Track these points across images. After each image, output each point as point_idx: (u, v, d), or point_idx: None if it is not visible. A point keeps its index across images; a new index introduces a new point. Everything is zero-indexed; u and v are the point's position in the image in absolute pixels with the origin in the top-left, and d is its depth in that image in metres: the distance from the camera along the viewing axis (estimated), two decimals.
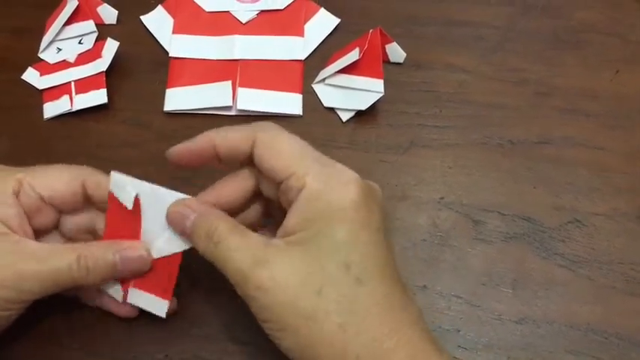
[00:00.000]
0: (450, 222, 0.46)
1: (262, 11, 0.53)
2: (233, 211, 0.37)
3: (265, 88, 0.50)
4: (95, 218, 0.40)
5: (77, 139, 0.49)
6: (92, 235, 0.40)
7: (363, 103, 0.49)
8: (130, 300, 0.39)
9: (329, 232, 0.32)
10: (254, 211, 0.39)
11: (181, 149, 0.37)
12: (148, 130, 0.50)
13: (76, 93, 0.50)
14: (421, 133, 0.49)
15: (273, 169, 0.34)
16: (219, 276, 0.42)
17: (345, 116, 0.50)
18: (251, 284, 0.32)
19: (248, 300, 0.33)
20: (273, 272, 0.32)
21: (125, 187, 0.37)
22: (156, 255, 0.38)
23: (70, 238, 0.41)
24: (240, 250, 0.33)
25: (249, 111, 0.49)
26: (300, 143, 0.35)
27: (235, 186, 0.37)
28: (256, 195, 0.38)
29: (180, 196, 0.37)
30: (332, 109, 0.50)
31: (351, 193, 0.33)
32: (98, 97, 0.49)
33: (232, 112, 0.50)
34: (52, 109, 0.50)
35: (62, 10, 0.52)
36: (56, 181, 0.38)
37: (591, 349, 0.42)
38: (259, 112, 0.49)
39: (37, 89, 0.51)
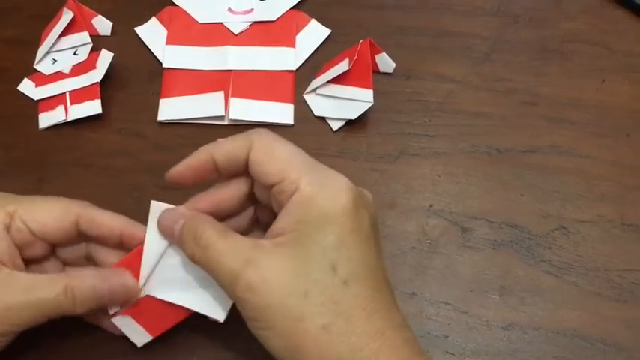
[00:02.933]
0: (438, 229, 0.47)
1: (254, 22, 0.54)
2: (225, 216, 0.38)
3: (257, 98, 0.51)
4: (92, 247, 0.40)
5: (72, 148, 0.50)
6: (91, 261, 0.41)
7: (353, 112, 0.50)
8: (116, 321, 0.39)
9: (318, 235, 0.33)
10: (244, 216, 0.40)
11: (181, 168, 0.37)
12: (142, 140, 0.50)
13: (71, 103, 0.50)
14: (411, 142, 0.50)
15: (266, 173, 0.35)
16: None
17: (335, 125, 0.50)
18: (241, 285, 0.33)
19: (238, 301, 0.34)
20: (262, 273, 0.32)
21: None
22: (162, 297, 0.38)
23: (69, 264, 0.41)
24: (229, 253, 0.34)
25: (241, 120, 0.50)
26: (295, 149, 0.36)
27: (229, 193, 0.38)
28: (247, 201, 0.39)
29: None
30: (323, 119, 0.51)
31: (343, 199, 0.33)
32: (93, 107, 0.50)
33: (225, 122, 0.51)
34: (47, 119, 0.51)
35: (57, 21, 0.53)
36: (47, 216, 0.38)
37: (577, 355, 0.42)
38: (251, 121, 0.50)
39: (33, 100, 0.52)
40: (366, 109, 0.49)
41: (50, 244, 0.39)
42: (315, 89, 0.51)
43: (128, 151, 0.50)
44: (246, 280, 0.33)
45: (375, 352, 0.32)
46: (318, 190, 0.33)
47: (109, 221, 0.39)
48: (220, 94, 0.51)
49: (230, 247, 0.34)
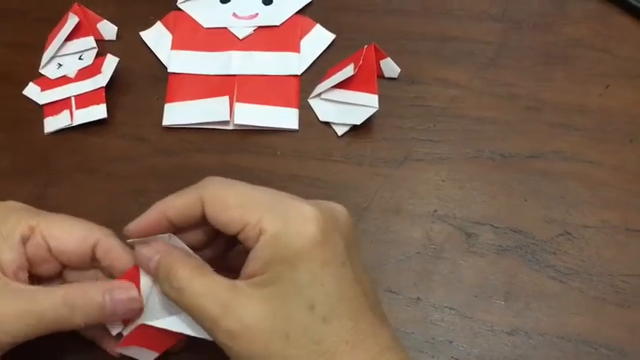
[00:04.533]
0: (443, 235, 0.47)
1: (259, 27, 0.54)
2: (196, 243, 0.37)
3: (262, 103, 0.51)
4: (101, 276, 0.40)
5: (77, 153, 0.50)
6: None
7: (358, 117, 0.50)
8: (120, 350, 0.39)
9: (290, 275, 0.32)
10: (218, 246, 0.38)
11: (137, 225, 0.36)
12: (146, 145, 0.51)
13: (77, 108, 0.50)
14: (415, 147, 0.50)
15: (226, 224, 0.33)
16: None
17: (340, 130, 0.51)
18: (222, 332, 0.32)
19: (221, 345, 0.33)
20: (242, 319, 0.32)
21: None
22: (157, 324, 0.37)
23: None
24: (206, 297, 0.32)
25: (246, 125, 0.50)
26: (250, 190, 0.34)
27: (193, 236, 0.37)
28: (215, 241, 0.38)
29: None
30: (328, 124, 0.51)
31: (309, 231, 0.32)
32: (98, 112, 0.50)
33: (230, 127, 0.51)
34: (52, 123, 0.51)
35: (63, 26, 0.53)
36: (69, 236, 0.37)
37: None
38: (256, 126, 0.50)
39: (38, 104, 0.52)
40: (370, 115, 0.49)
41: (62, 264, 0.39)
42: (319, 94, 0.51)
43: (133, 155, 0.50)
44: (226, 326, 0.32)
45: None
46: (282, 227, 0.32)
47: (125, 256, 0.38)
48: (225, 99, 0.51)
49: (206, 290, 0.33)
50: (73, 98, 0.51)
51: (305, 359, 0.31)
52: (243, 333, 0.32)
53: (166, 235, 0.36)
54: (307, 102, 0.52)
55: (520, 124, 0.51)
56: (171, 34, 0.54)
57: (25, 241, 0.37)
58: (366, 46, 0.50)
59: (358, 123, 0.50)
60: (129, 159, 0.50)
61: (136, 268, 0.37)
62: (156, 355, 0.39)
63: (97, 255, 0.38)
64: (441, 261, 0.46)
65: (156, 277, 0.35)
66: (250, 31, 0.54)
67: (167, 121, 0.51)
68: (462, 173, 0.49)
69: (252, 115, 0.51)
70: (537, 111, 0.51)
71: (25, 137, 0.51)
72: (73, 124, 0.50)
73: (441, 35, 0.55)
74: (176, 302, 0.34)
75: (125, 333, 0.38)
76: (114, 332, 0.38)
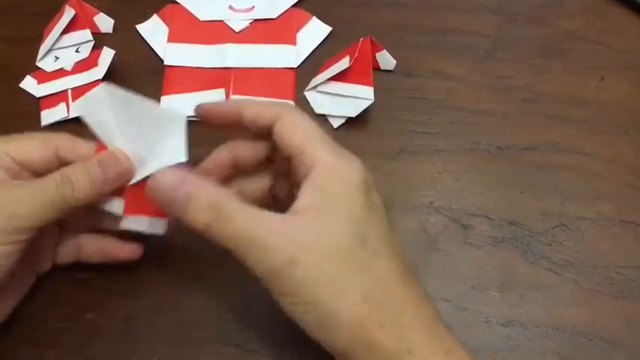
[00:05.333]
0: (439, 226, 0.47)
1: (255, 20, 0.54)
2: (242, 172, 0.40)
3: (258, 95, 0.51)
4: None
5: None
6: None
7: (354, 110, 0.50)
8: (126, 225, 0.39)
9: (344, 207, 0.34)
10: (260, 183, 0.41)
11: (211, 107, 0.39)
12: None
13: (73, 100, 0.50)
14: (411, 140, 0.50)
15: (289, 144, 0.36)
16: (213, 279, 0.43)
17: (336, 123, 0.51)
18: (282, 260, 0.32)
19: (277, 276, 0.33)
20: (300, 247, 0.33)
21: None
22: (146, 174, 0.38)
23: None
24: (261, 226, 0.33)
25: None
26: (317, 128, 0.37)
27: (250, 151, 0.39)
28: (265, 168, 0.40)
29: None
30: (323, 116, 0.51)
31: (360, 175, 0.35)
32: None
33: None
34: (49, 116, 0.51)
35: (59, 19, 0.53)
36: (28, 145, 0.39)
37: (577, 351, 0.43)
38: None
39: (35, 97, 0.52)
40: (366, 107, 0.49)
41: (37, 174, 0.39)
42: (315, 87, 0.51)
43: None
44: (287, 254, 0.32)
45: (410, 320, 0.33)
46: (338, 164, 0.35)
47: (89, 146, 0.40)
48: (221, 92, 0.51)
49: (260, 220, 0.33)
50: (69, 91, 0.51)
51: (359, 287, 0.33)
52: (304, 258, 0.33)
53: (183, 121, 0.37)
54: (303, 94, 0.52)
55: (516, 117, 0.51)
56: (168, 26, 0.54)
57: None
58: (362, 39, 0.50)
59: (354, 115, 0.50)
60: None
61: (102, 146, 0.39)
62: (165, 222, 0.39)
63: (62, 155, 0.39)
64: (436, 252, 0.46)
65: (179, 206, 0.34)
66: (246, 24, 0.54)
67: None
68: (459, 165, 0.49)
69: None
70: (533, 103, 0.52)
71: (22, 130, 0.49)
72: (70, 117, 0.50)
73: (437, 28, 0.55)
74: (218, 233, 0.34)
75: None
76: (116, 210, 0.39)
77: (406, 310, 0.34)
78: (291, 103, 0.51)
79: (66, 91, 0.51)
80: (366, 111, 0.50)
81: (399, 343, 0.33)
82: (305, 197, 0.34)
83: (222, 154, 0.40)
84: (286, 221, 0.34)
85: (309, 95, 0.52)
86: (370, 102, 0.49)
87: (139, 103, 0.38)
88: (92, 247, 0.42)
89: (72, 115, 0.50)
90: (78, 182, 0.37)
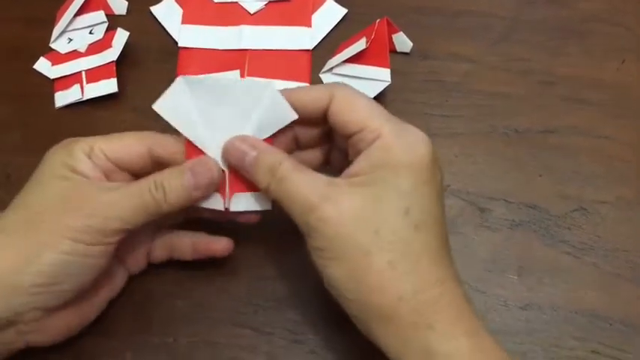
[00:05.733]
0: (456, 210, 0.46)
1: (270, 2, 0.54)
2: (300, 146, 0.41)
3: (273, 78, 0.51)
4: None
5: (88, 127, 0.49)
6: None
7: (370, 92, 0.49)
8: (233, 207, 0.39)
9: (393, 180, 0.34)
10: (317, 153, 0.41)
11: None
12: (157, 119, 0.49)
13: (87, 82, 0.50)
14: (427, 123, 0.50)
15: (348, 122, 0.36)
16: (228, 262, 0.43)
17: None
18: (316, 214, 0.34)
19: (309, 229, 0.35)
20: (338, 206, 0.34)
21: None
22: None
23: None
24: (306, 186, 0.35)
25: None
26: (375, 103, 0.37)
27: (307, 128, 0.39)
28: (322, 140, 0.40)
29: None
30: None
31: (421, 150, 0.35)
32: (108, 86, 0.50)
33: None
34: (63, 98, 0.50)
35: (73, 0, 0.52)
36: (123, 145, 0.39)
37: (596, 336, 0.42)
38: None
39: (49, 79, 0.51)
40: (382, 89, 0.49)
41: (130, 173, 0.40)
42: (331, 69, 0.51)
43: (143, 129, 0.49)
44: (321, 211, 0.34)
45: (435, 297, 0.33)
46: (397, 139, 0.35)
47: (174, 143, 0.39)
48: (236, 74, 0.51)
49: (307, 181, 0.35)
50: (83, 72, 0.51)
51: (388, 253, 0.33)
52: (336, 219, 0.34)
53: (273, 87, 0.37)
54: (319, 77, 0.51)
55: (534, 99, 0.50)
56: (182, 8, 0.54)
57: (88, 156, 0.38)
58: (378, 20, 0.50)
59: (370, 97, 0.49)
60: None
61: (193, 151, 0.39)
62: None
63: (157, 153, 0.39)
64: (454, 236, 0.45)
65: (248, 171, 0.37)
66: (261, 5, 0.54)
67: None
68: (475, 148, 0.49)
69: None
70: (552, 86, 0.51)
71: (36, 111, 0.51)
72: (84, 99, 0.50)
73: (454, 9, 0.54)
74: (273, 192, 0.36)
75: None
76: (218, 207, 0.39)
77: (433, 287, 0.33)
78: (306, 85, 0.51)
79: (80, 72, 0.51)
80: (381, 94, 0.49)
81: (420, 317, 0.33)
82: (356, 165, 0.35)
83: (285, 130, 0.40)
84: (331, 184, 0.35)
85: (325, 77, 0.51)
86: (387, 84, 0.49)
87: (221, 85, 0.38)
88: (185, 245, 0.42)
89: (86, 96, 0.50)
90: (170, 188, 0.37)
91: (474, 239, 0.45)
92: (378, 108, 0.37)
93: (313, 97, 0.37)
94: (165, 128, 0.49)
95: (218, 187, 0.39)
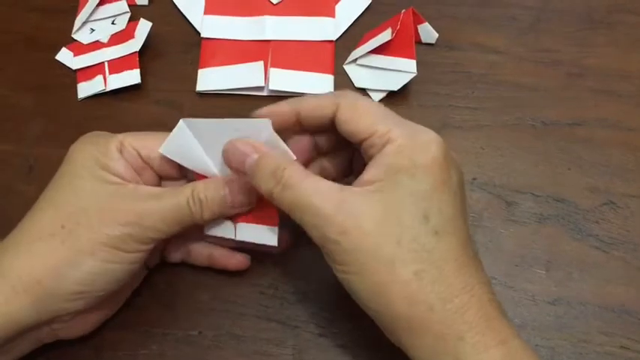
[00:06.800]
0: (482, 203, 0.46)
1: None
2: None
3: (297, 69, 0.50)
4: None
5: (111, 118, 0.49)
6: None
7: (395, 83, 0.49)
8: (239, 237, 0.39)
9: (409, 184, 0.33)
10: (338, 159, 0.40)
11: (268, 110, 0.37)
12: (180, 110, 0.50)
13: (110, 73, 0.50)
14: (453, 114, 0.49)
15: (356, 129, 0.35)
16: (254, 255, 0.43)
17: (376, 97, 0.50)
18: (334, 228, 0.33)
19: (328, 244, 0.33)
20: (356, 217, 0.33)
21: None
22: None
23: None
24: (318, 195, 0.33)
25: (281, 91, 0.49)
26: (381, 106, 0.36)
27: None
28: (342, 145, 0.39)
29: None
30: (363, 90, 0.50)
31: (433, 151, 0.34)
32: (131, 77, 0.49)
33: (264, 93, 0.50)
34: (86, 89, 0.50)
35: None
36: (154, 142, 0.39)
37: (625, 331, 0.42)
38: (291, 92, 0.49)
39: (71, 69, 0.51)
40: (408, 81, 0.48)
41: (157, 174, 0.40)
42: (355, 60, 0.50)
43: (166, 121, 0.48)
44: (339, 223, 0.33)
45: (463, 305, 0.32)
46: (409, 141, 0.34)
47: None
48: (260, 64, 0.50)
49: (318, 189, 0.34)
50: (106, 63, 0.50)
51: (413, 264, 0.32)
52: (356, 230, 0.32)
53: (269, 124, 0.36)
54: (342, 68, 0.51)
55: (562, 91, 0.50)
56: None
57: (120, 153, 0.38)
58: (403, 11, 0.49)
59: (395, 89, 0.49)
60: (162, 124, 0.48)
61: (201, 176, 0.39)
62: (276, 230, 0.39)
63: None
64: (480, 229, 0.45)
65: (250, 173, 0.36)
66: None
67: (201, 86, 0.50)
68: (502, 141, 0.48)
69: (287, 80, 0.50)
70: (579, 77, 0.50)
71: (59, 102, 0.50)
72: (107, 90, 0.50)
73: (480, 0, 0.54)
74: (279, 200, 0.34)
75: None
76: (229, 234, 0.40)
77: (460, 295, 0.32)
78: (330, 76, 0.50)
79: (102, 63, 0.51)
80: (406, 85, 0.49)
81: (449, 329, 0.32)
82: (369, 171, 0.34)
83: (303, 139, 0.39)
84: (344, 191, 0.33)
85: (349, 68, 0.51)
86: (413, 75, 0.48)
87: (220, 125, 0.37)
88: (202, 253, 0.42)
89: (109, 87, 0.50)
90: (207, 201, 0.37)
91: (501, 233, 0.45)
92: (385, 112, 0.36)
93: (318, 107, 0.36)
94: (192, 117, 0.49)
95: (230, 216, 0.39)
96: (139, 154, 0.39)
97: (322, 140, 0.39)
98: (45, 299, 0.35)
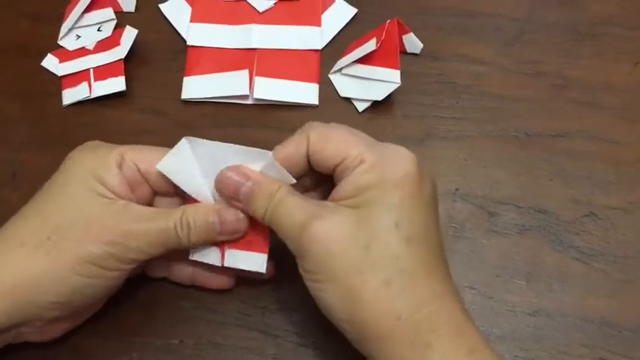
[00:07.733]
0: (464, 214, 0.46)
1: (280, 0, 0.53)
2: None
3: (282, 78, 0.50)
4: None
5: (95, 125, 0.49)
6: None
7: (380, 93, 0.49)
8: (227, 263, 0.39)
9: (381, 197, 0.34)
10: (317, 193, 0.41)
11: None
12: (165, 118, 0.50)
13: (95, 80, 0.50)
14: (437, 125, 0.49)
15: (328, 156, 0.36)
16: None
17: (361, 106, 0.50)
18: (306, 235, 0.34)
19: (300, 251, 0.34)
20: (327, 225, 0.34)
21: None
22: None
23: None
24: (298, 207, 0.35)
25: (265, 100, 0.50)
26: (351, 130, 0.37)
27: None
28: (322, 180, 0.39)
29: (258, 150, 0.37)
30: (348, 99, 0.50)
31: (404, 167, 0.34)
32: (117, 84, 0.49)
33: (249, 101, 0.50)
34: (70, 95, 0.50)
35: None
36: (154, 156, 0.38)
37: (605, 343, 0.42)
38: (276, 101, 0.50)
39: (56, 76, 0.51)
40: (392, 91, 0.48)
41: (152, 189, 0.40)
42: (340, 69, 0.50)
43: (151, 128, 0.49)
44: (311, 230, 0.34)
45: (432, 314, 0.32)
46: (379, 159, 0.35)
47: None
48: (245, 73, 0.50)
49: (298, 202, 0.35)
50: (91, 70, 0.50)
51: (382, 271, 0.33)
52: (326, 237, 0.33)
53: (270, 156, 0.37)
54: (328, 77, 0.51)
55: (546, 103, 0.50)
56: (191, 6, 0.53)
57: (119, 166, 0.38)
58: (388, 21, 0.49)
59: (380, 99, 0.49)
60: (147, 132, 0.49)
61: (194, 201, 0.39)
62: (265, 257, 0.39)
63: None
64: (462, 240, 0.45)
65: (244, 200, 0.36)
66: (271, 4, 0.53)
67: (186, 94, 0.50)
68: (485, 152, 0.48)
69: (272, 89, 0.50)
70: (563, 89, 0.50)
71: (43, 109, 0.50)
72: (92, 97, 0.50)
73: (465, 10, 0.54)
74: (270, 216, 0.36)
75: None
76: (214, 261, 0.39)
77: (429, 303, 0.33)
78: (316, 85, 0.50)
79: (88, 70, 0.51)
80: (391, 95, 0.49)
81: (418, 336, 0.32)
82: (341, 188, 0.35)
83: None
84: (318, 204, 0.35)
85: (334, 78, 0.51)
86: (397, 85, 0.48)
87: (222, 148, 0.38)
88: (184, 272, 0.42)
89: (94, 94, 0.50)
90: (195, 227, 0.37)
91: (483, 244, 0.45)
92: (356, 136, 0.36)
93: (293, 147, 0.37)
94: (174, 128, 0.49)
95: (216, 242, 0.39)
96: (138, 168, 0.38)
97: (306, 180, 0.39)
98: (20, 305, 0.35)
